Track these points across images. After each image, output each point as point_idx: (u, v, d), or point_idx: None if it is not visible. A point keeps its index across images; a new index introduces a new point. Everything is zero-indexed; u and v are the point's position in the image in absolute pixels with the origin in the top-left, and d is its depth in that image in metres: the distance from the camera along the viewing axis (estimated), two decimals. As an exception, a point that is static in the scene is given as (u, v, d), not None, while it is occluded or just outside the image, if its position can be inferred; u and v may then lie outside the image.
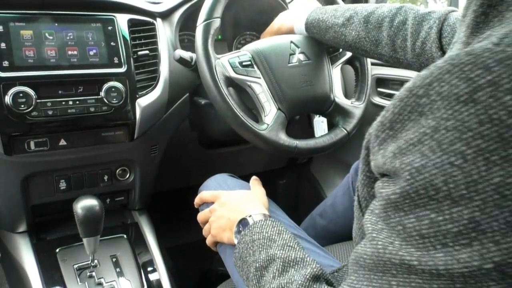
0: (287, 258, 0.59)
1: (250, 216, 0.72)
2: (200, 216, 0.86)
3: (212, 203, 0.84)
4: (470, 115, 0.31)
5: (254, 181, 0.89)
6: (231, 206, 0.78)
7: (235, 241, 0.71)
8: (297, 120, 1.19)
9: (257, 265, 0.62)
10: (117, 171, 1.06)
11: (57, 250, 1.00)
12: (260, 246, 0.64)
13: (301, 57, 0.97)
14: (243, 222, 0.72)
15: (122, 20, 0.95)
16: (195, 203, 0.90)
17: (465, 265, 0.32)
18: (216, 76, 0.87)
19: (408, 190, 0.35)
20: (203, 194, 0.88)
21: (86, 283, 0.94)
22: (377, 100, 1.32)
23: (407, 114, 0.36)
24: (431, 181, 0.33)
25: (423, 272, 0.35)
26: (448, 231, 0.33)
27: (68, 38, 0.89)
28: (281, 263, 0.58)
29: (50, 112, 0.86)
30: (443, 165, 0.32)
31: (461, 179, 0.32)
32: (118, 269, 0.98)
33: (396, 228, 0.37)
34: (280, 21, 1.06)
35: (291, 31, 1.03)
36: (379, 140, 0.39)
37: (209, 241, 0.82)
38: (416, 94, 0.35)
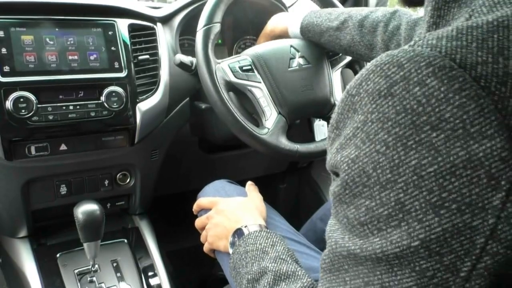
0: (279, 271, 0.59)
1: (245, 226, 0.72)
2: (198, 223, 0.86)
3: (210, 209, 0.84)
4: (389, 106, 0.35)
5: (251, 186, 0.88)
6: (228, 214, 0.78)
7: (230, 251, 0.71)
8: (297, 124, 1.19)
9: (249, 277, 0.62)
10: (118, 175, 1.06)
11: (58, 255, 1.00)
12: (253, 258, 0.64)
13: (301, 61, 0.97)
14: (238, 232, 0.72)
15: (122, 25, 0.96)
16: (193, 209, 0.90)
17: (397, 245, 0.35)
18: (217, 81, 0.87)
19: (346, 180, 0.38)
20: (201, 201, 0.87)
21: (86, 288, 0.94)
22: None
23: (346, 113, 0.39)
24: (363, 169, 0.36)
25: (366, 260, 0.38)
26: (380, 215, 0.36)
27: (68, 43, 0.89)
28: (272, 277, 0.59)
29: (50, 117, 0.86)
30: (372, 153, 0.36)
31: (386, 164, 0.35)
32: (118, 274, 0.98)
33: (343, 222, 0.40)
34: (273, 23, 1.07)
35: (284, 34, 1.04)
36: (330, 140, 0.43)
37: (205, 248, 0.82)
38: (351, 94, 0.39)
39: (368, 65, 0.38)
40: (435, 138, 0.33)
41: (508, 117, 0.32)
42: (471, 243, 0.33)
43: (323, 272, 0.44)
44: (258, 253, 0.65)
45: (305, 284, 0.56)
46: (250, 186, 0.89)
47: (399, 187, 0.34)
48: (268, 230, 0.70)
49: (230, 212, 0.78)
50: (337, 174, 0.41)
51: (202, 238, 0.84)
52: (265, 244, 0.66)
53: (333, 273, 0.42)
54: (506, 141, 0.31)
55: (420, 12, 1.01)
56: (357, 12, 0.91)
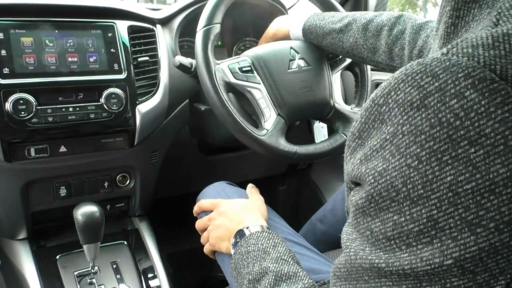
0: (280, 272, 0.59)
1: (247, 227, 0.72)
2: (199, 224, 0.86)
3: (211, 211, 0.84)
4: (422, 119, 0.33)
5: (252, 189, 0.88)
6: (230, 215, 0.78)
7: (232, 252, 0.71)
8: (297, 125, 1.19)
9: (250, 277, 0.62)
10: (117, 177, 1.05)
11: (57, 257, 0.99)
12: (254, 258, 0.64)
13: (301, 63, 0.97)
14: (240, 233, 0.72)
15: (122, 27, 0.96)
16: (194, 211, 0.90)
17: (428, 263, 0.34)
18: (216, 82, 0.87)
19: (372, 193, 0.37)
20: (202, 203, 0.87)
21: (86, 290, 0.93)
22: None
23: (371, 123, 0.38)
24: (392, 183, 0.35)
25: (391, 274, 0.37)
26: (410, 231, 0.35)
27: (68, 45, 0.89)
28: (273, 277, 0.59)
29: (50, 119, 0.86)
30: (402, 167, 0.34)
31: (418, 179, 0.33)
32: (118, 276, 0.98)
33: (365, 234, 0.39)
34: (276, 26, 1.07)
35: (287, 36, 1.04)
36: (350, 149, 0.41)
37: (206, 249, 0.82)
38: (378, 103, 0.37)
39: (397, 74, 0.36)
40: (474, 154, 0.31)
41: None
42: (507, 262, 0.32)
43: (337, 279, 0.43)
44: (260, 253, 0.64)
45: (306, 285, 0.56)
46: (251, 188, 0.89)
47: (432, 203, 0.33)
48: (270, 231, 0.70)
49: (232, 214, 0.78)
50: (356, 184, 0.40)
51: (203, 240, 0.84)
52: (267, 245, 0.66)
53: (349, 282, 0.41)
54: None
55: (420, 15, 1.01)
56: (362, 15, 0.91)
